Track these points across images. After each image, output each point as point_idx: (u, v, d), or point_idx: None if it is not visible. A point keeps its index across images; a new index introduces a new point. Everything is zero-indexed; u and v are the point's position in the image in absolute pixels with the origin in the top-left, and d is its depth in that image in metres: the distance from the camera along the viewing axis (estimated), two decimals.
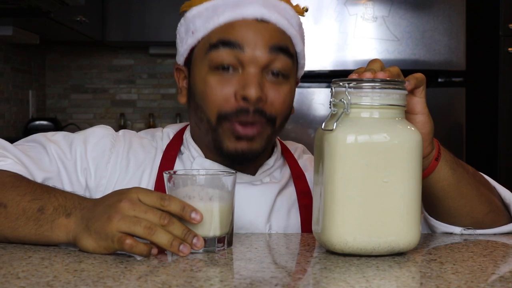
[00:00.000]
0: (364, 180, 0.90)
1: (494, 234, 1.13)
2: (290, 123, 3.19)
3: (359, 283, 0.78)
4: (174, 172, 0.98)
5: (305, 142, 1.44)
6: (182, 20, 1.22)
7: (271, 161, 1.24)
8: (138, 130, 1.37)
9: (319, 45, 3.23)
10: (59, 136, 1.23)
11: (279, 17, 1.16)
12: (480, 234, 1.12)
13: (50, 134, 1.24)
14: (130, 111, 4.17)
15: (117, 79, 4.19)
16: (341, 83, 0.92)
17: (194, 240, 0.91)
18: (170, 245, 0.90)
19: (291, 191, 1.23)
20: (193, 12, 1.19)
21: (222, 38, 1.14)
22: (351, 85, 0.91)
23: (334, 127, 0.90)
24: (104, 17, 3.74)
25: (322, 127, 0.92)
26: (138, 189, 0.94)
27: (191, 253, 0.92)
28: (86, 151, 1.20)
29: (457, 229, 1.13)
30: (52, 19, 2.96)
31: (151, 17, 3.75)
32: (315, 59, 3.22)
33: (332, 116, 0.93)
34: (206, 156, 1.22)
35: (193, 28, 1.19)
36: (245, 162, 1.18)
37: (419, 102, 1.02)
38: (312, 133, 3.12)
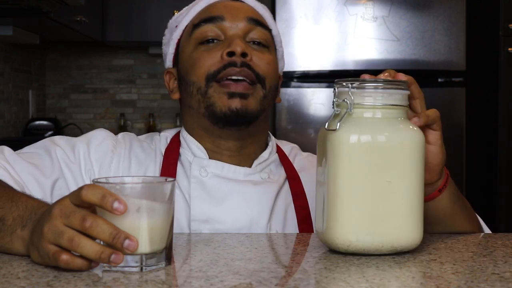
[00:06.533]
0: (367, 180, 0.90)
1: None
2: (290, 123, 3.19)
3: (359, 283, 0.78)
4: (98, 180, 0.86)
5: (305, 142, 1.44)
6: (166, 30, 1.32)
7: (265, 154, 1.25)
8: (138, 130, 1.39)
9: (319, 45, 3.23)
10: (62, 141, 1.24)
11: (252, 0, 1.28)
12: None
13: (55, 138, 1.25)
14: (130, 111, 4.16)
15: (117, 79, 4.19)
16: (344, 83, 0.92)
17: (126, 243, 0.79)
18: (99, 257, 0.79)
19: (286, 191, 1.24)
20: (175, 16, 1.30)
21: (203, 17, 1.24)
22: (354, 85, 0.91)
23: (337, 127, 0.90)
24: (104, 17, 3.74)
25: (325, 127, 0.92)
26: (74, 191, 0.84)
27: (116, 271, 0.82)
28: (89, 153, 1.22)
29: None
30: (52, 19, 2.96)
31: (151, 17, 3.75)
32: (315, 59, 3.22)
33: (335, 116, 0.93)
34: (207, 147, 1.23)
35: (176, 23, 1.29)
36: (242, 123, 1.18)
37: (432, 134, 1.00)
38: (312, 133, 3.12)
